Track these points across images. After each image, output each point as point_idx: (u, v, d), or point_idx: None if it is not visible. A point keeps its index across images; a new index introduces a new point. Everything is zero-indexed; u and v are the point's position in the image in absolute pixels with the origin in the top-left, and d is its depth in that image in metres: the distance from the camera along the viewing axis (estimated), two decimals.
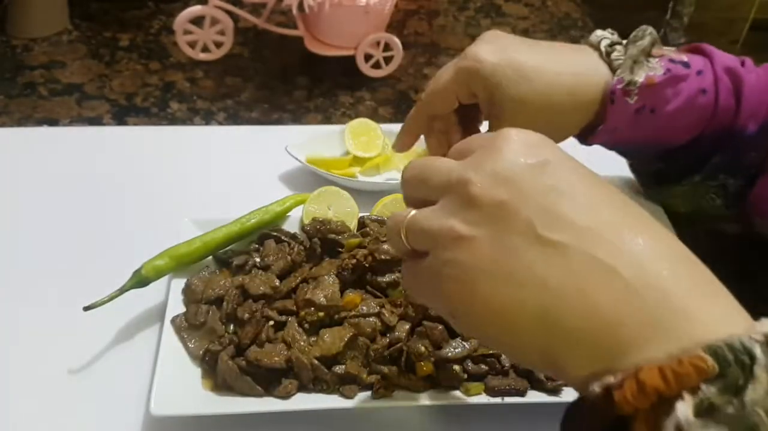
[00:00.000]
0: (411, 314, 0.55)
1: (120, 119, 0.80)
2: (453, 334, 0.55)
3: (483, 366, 0.54)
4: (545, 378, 0.53)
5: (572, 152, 0.34)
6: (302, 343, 0.54)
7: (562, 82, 0.55)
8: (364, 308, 0.55)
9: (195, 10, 0.82)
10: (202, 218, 0.63)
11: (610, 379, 0.28)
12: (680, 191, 0.63)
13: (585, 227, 0.31)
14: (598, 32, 0.58)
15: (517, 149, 0.33)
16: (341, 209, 0.64)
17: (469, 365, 0.54)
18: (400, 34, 0.96)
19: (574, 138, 0.59)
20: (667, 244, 0.31)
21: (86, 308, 0.55)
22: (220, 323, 0.56)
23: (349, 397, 0.52)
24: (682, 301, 0.29)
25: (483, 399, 0.53)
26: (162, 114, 0.82)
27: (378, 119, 0.84)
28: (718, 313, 0.29)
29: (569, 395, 0.52)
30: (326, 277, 0.57)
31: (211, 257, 0.62)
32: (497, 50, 0.54)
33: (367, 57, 0.86)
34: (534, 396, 0.53)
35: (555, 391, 0.53)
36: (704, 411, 0.26)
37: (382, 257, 0.57)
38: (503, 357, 0.54)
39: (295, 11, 0.83)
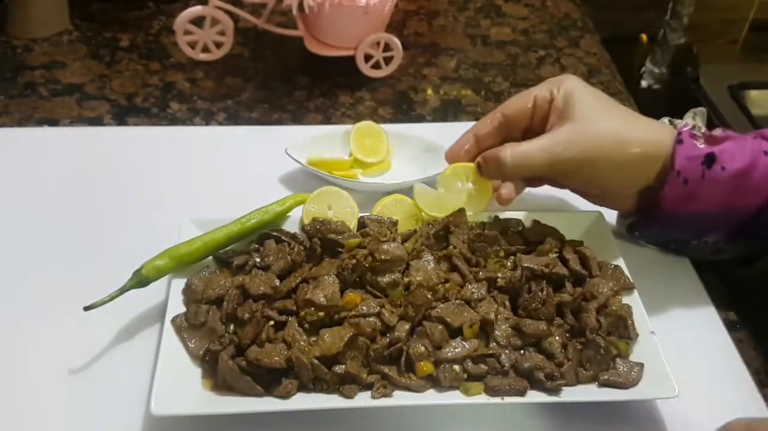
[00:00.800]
0: (411, 314, 0.55)
1: (120, 120, 0.80)
2: (453, 334, 0.55)
3: (483, 366, 0.54)
4: (545, 378, 0.53)
5: None
6: (302, 343, 0.54)
7: (635, 124, 0.61)
8: (364, 308, 0.55)
9: (195, 10, 0.82)
10: (202, 218, 0.63)
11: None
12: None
13: None
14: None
15: None
16: (341, 209, 0.64)
17: (469, 365, 0.54)
18: (400, 34, 0.96)
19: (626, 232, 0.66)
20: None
21: (86, 308, 0.55)
22: (220, 323, 0.56)
23: (349, 397, 0.52)
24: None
25: (483, 399, 0.53)
26: (162, 114, 0.82)
27: (378, 119, 0.85)
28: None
29: (569, 395, 0.52)
30: (326, 277, 0.57)
31: (211, 257, 0.62)
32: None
33: (367, 57, 0.86)
34: (534, 396, 0.53)
35: (555, 391, 0.53)
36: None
37: (382, 257, 0.57)
38: (503, 356, 0.54)
39: (295, 11, 0.83)
